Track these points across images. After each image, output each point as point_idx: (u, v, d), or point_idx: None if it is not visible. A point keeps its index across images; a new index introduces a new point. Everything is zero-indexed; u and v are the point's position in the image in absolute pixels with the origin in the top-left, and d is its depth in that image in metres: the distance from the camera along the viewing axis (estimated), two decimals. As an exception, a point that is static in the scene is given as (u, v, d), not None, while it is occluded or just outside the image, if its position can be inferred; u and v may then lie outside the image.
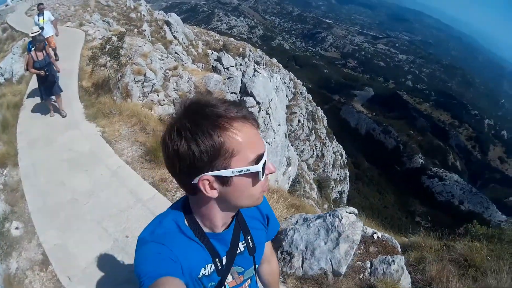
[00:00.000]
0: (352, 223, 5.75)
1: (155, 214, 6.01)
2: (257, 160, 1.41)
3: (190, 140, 1.32)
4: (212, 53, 32.63)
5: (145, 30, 28.37)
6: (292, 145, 34.31)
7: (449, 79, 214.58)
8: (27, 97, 12.80)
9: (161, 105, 14.01)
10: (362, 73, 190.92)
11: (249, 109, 1.43)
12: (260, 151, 1.41)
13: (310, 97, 49.65)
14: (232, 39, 46.05)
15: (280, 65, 46.94)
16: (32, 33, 10.82)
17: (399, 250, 6.13)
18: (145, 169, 8.09)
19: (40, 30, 11.78)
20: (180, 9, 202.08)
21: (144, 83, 14.12)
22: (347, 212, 5.93)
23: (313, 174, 37.31)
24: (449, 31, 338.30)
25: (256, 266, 1.92)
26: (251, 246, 1.83)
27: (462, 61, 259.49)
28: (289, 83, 44.29)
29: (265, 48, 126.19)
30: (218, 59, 27.29)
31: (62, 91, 10.98)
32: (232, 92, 17.05)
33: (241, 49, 38.29)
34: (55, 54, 14.76)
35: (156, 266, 1.42)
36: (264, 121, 17.59)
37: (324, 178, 38.96)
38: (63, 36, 18.12)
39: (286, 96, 40.66)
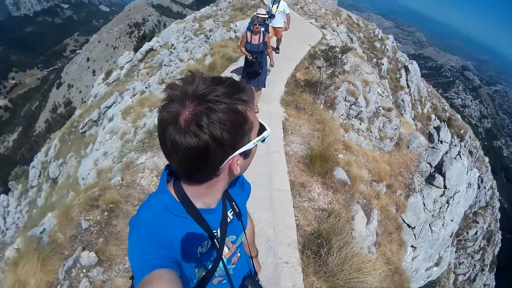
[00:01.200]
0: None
1: (271, 200, 6.82)
2: (261, 125, 1.47)
3: (223, 122, 1.26)
4: (435, 119, 31.46)
5: (383, 64, 28.35)
6: (455, 252, 32.32)
7: None
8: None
9: (358, 134, 13.67)
10: None
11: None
12: (259, 123, 1.47)
13: (499, 216, 46.30)
14: (459, 116, 44.80)
15: (489, 167, 44.34)
16: (256, 13, 10.37)
17: None
18: (296, 168, 8.15)
19: (266, 15, 11.57)
20: (425, 63, 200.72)
21: (352, 106, 13.93)
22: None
23: None
24: None
25: (245, 230, 1.94)
26: (237, 211, 1.83)
27: None
28: (488, 190, 41.75)
29: (485, 143, 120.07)
30: (437, 128, 26.40)
31: (265, 87, 10.24)
32: (428, 163, 16.02)
33: (462, 131, 37.15)
34: (277, 48, 14.92)
35: (149, 257, 1.35)
36: (440, 208, 16.46)
37: None
38: (303, 30, 19.15)
39: (479, 201, 38.36)
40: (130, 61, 30.72)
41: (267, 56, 10.08)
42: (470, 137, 37.78)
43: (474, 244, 37.96)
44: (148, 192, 6.50)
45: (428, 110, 32.93)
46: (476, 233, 37.74)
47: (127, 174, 6.79)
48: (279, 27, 14.18)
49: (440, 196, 15.71)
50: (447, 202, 16.37)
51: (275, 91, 11.49)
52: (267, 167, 7.63)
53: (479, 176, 28.60)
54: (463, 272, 37.18)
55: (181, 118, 1.22)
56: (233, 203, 1.81)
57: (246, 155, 1.42)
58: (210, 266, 1.67)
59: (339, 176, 8.43)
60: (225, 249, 1.77)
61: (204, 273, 1.66)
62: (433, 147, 16.57)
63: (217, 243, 1.64)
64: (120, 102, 20.09)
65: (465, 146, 32.86)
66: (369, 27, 34.92)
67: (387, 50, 32.25)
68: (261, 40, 9.53)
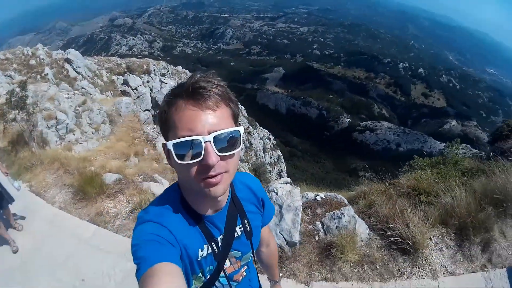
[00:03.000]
0: (289, 192, 5.91)
1: (101, 249, 6.54)
2: (183, 136, 1.37)
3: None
4: (118, 78, 31.28)
5: (47, 74, 27.37)
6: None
7: (354, 37, 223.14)
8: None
9: (79, 143, 13.80)
10: (268, 55, 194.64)
11: (214, 90, 1.40)
12: (186, 133, 1.36)
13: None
14: (134, 58, 45.12)
15: (186, 71, 46.31)
16: None
17: (347, 203, 6.46)
18: (80, 209, 7.97)
19: None
20: (77, 43, 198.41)
21: (58, 126, 13.80)
22: (281, 184, 6.14)
23: (247, 165, 38.09)
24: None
25: (254, 250, 1.96)
26: (248, 230, 1.86)
27: (363, 18, 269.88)
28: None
29: (168, 58, 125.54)
30: (125, 82, 26.61)
31: (14, 200, 7.58)
32: (145, 110, 17.22)
33: (145, 66, 37.44)
34: None
35: (153, 250, 1.41)
36: None
37: (259, 165, 39.28)
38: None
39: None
40: None
41: None
42: (154, 65, 39.63)
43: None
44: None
45: (107, 77, 33.45)
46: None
47: None
48: None
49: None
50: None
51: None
52: (64, 232, 7.31)
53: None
54: (238, 149, 41.18)
55: None
56: (245, 220, 1.84)
57: (169, 153, 1.44)
58: (209, 276, 1.73)
59: (112, 179, 8.70)
60: (227, 263, 1.82)
61: (202, 283, 1.73)
62: (138, 96, 17.89)
63: (215, 248, 1.68)
64: None
65: (155, 74, 34.73)
66: (17, 52, 34.01)
67: (43, 59, 31.75)
68: None
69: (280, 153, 52.81)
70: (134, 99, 18.05)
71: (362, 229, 5.57)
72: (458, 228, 5.57)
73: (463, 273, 5.09)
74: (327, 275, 5.15)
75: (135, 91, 24.20)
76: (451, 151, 10.29)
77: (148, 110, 17.51)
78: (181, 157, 1.38)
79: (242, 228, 1.83)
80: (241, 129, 1.47)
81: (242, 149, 1.57)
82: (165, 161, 13.86)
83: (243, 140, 1.52)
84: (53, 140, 13.22)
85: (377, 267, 5.15)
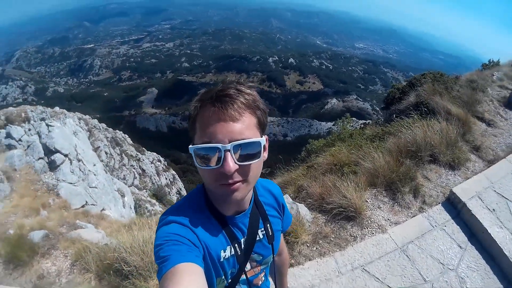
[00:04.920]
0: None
1: None
2: (205, 142, 1.39)
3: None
4: (0, 132, 30.39)
5: None
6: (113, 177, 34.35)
7: (221, 42, 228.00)
8: None
9: None
10: (139, 78, 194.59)
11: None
12: (207, 139, 1.38)
13: (104, 125, 47.50)
14: (11, 108, 43.58)
15: (64, 110, 44.92)
16: None
17: (278, 194, 6.79)
18: (18, 278, 6.94)
19: None
20: None
21: None
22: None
23: (146, 191, 38.34)
24: (204, 0, 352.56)
25: (274, 255, 1.95)
26: (270, 234, 1.85)
27: (226, 22, 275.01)
28: (79, 122, 42.36)
29: (42, 101, 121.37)
30: (9, 135, 25.86)
31: None
32: (39, 159, 16.29)
33: (23, 114, 36.39)
34: None
35: (176, 250, 1.40)
36: (80, 169, 17.22)
37: (157, 190, 39.98)
38: None
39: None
40: None
41: None
42: (32, 111, 38.03)
43: (113, 159, 41.83)
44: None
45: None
46: (106, 153, 41.09)
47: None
48: None
49: (71, 164, 16.90)
50: (79, 160, 17.65)
51: None
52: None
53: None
54: (132, 178, 39.64)
55: None
56: (268, 224, 1.85)
57: (192, 155, 1.45)
58: (231, 279, 1.73)
59: (39, 236, 8.00)
60: (248, 266, 1.82)
61: (224, 287, 1.73)
62: (28, 146, 17.11)
63: (238, 250, 1.69)
64: None
65: (34, 121, 33.49)
66: None
67: None
68: None
69: (174, 172, 52.79)
70: (25, 150, 16.92)
71: (304, 211, 5.85)
72: (386, 185, 6.22)
73: (406, 220, 5.70)
74: (291, 261, 5.20)
75: (20, 142, 23.29)
76: (344, 127, 10.94)
77: (42, 158, 16.29)
78: (201, 162, 1.41)
79: (264, 232, 1.83)
80: (262, 140, 1.45)
81: (264, 158, 1.54)
82: (74, 207, 13.80)
83: (265, 150, 1.53)
84: None
85: (331, 239, 5.47)
